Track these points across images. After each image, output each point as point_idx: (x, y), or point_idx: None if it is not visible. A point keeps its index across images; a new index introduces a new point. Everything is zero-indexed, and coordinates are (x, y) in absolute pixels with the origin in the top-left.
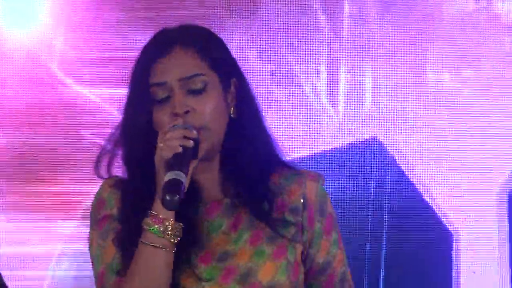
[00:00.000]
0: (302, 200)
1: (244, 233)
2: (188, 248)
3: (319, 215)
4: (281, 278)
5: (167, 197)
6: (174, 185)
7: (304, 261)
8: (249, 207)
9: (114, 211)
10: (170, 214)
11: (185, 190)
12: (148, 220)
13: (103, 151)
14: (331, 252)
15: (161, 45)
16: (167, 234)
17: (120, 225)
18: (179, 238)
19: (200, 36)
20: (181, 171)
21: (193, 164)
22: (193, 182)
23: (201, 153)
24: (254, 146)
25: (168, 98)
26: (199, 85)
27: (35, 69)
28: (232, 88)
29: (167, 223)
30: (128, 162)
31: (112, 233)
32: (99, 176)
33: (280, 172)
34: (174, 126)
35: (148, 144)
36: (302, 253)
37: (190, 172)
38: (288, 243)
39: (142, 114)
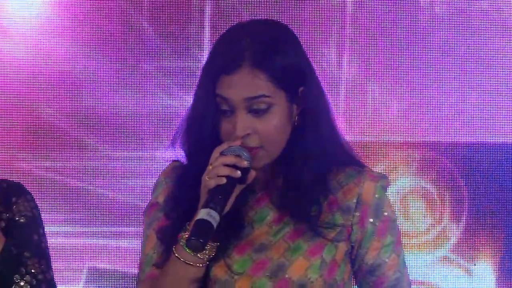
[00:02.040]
0: (355, 200)
1: (285, 227)
2: (228, 236)
3: (373, 216)
4: (312, 276)
5: (192, 240)
6: (202, 227)
7: (353, 260)
8: (291, 211)
9: (161, 199)
10: None
11: (215, 227)
12: (184, 235)
13: (174, 138)
14: (382, 255)
15: (230, 57)
16: (200, 254)
17: (165, 217)
18: (212, 256)
19: (269, 44)
20: (217, 209)
21: (240, 187)
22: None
23: (250, 180)
24: (311, 154)
25: (230, 112)
26: (262, 106)
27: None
28: (300, 96)
29: None
30: (186, 154)
31: (155, 223)
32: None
33: (344, 169)
34: (228, 149)
35: (208, 145)
36: (351, 253)
37: (235, 193)
38: (328, 242)
39: (208, 118)
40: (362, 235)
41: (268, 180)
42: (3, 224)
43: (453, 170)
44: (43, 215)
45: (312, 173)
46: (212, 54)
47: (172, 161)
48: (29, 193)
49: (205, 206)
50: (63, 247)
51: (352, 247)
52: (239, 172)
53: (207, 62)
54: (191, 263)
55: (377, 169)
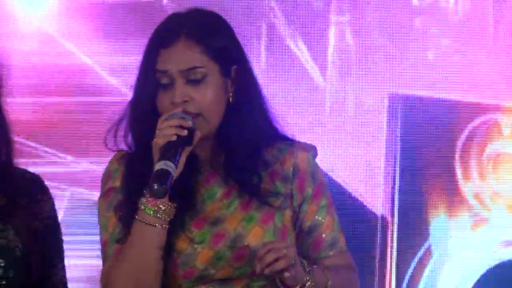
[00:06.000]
0: (291, 169)
1: (235, 200)
2: (183, 213)
3: (310, 181)
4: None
5: (155, 187)
6: (162, 175)
7: (294, 224)
8: (237, 183)
9: (117, 183)
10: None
11: (173, 179)
12: (144, 200)
13: (114, 125)
14: (318, 216)
15: (168, 33)
16: (160, 214)
17: (122, 197)
18: (172, 217)
19: (205, 26)
20: (172, 160)
21: (188, 149)
22: (192, 154)
23: (195, 141)
24: (246, 128)
25: (170, 85)
26: (198, 76)
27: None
28: (233, 75)
29: (160, 204)
30: (132, 139)
31: (115, 205)
32: (109, 148)
33: (275, 145)
34: (172, 114)
35: (151, 124)
36: (292, 217)
37: (184, 157)
38: (276, 210)
39: (148, 96)
40: (302, 200)
41: (212, 160)
42: (37, 223)
43: None
44: None
45: (248, 145)
46: (152, 36)
47: (117, 151)
48: (48, 189)
49: (160, 160)
50: None
51: (294, 212)
52: (185, 131)
53: (147, 45)
54: (153, 224)
55: None
